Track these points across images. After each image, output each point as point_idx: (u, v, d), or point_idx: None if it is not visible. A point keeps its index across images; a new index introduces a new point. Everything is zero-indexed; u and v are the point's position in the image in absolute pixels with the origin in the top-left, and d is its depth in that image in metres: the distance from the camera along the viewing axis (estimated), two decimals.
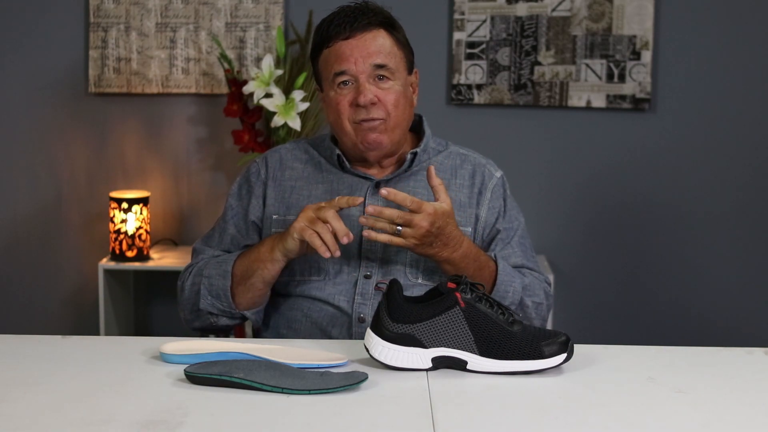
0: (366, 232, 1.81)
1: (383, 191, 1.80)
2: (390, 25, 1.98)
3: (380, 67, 1.93)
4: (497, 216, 2.02)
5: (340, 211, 1.86)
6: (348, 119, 1.95)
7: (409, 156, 2.00)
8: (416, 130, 2.08)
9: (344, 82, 1.94)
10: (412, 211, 1.80)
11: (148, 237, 3.31)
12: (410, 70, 2.01)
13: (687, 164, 3.39)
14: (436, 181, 1.86)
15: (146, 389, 1.49)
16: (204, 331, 2.03)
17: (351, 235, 1.82)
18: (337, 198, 1.85)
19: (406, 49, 2.00)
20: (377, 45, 1.94)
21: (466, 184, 2.03)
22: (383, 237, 1.82)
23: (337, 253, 1.81)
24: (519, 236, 2.04)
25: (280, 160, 2.06)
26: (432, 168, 1.86)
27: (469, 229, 1.99)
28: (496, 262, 1.94)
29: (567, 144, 3.41)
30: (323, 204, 1.84)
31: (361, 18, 1.94)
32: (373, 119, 1.93)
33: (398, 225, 1.81)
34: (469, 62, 3.38)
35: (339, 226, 1.81)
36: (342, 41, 1.94)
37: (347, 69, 1.93)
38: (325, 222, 1.81)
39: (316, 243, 1.81)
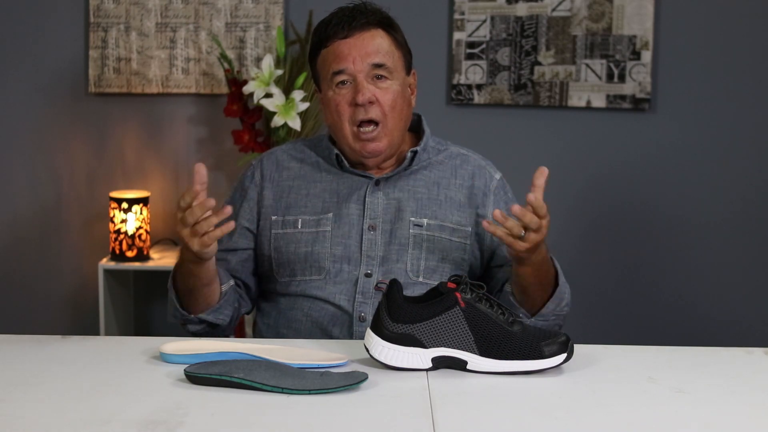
0: (496, 216, 1.75)
1: (531, 197, 1.74)
2: (388, 25, 1.98)
3: (378, 66, 1.93)
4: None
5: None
6: (347, 120, 1.95)
7: (409, 154, 2.00)
8: (415, 129, 2.09)
9: (342, 82, 1.94)
10: (540, 217, 1.76)
11: (148, 237, 3.31)
12: (408, 70, 2.01)
13: (687, 164, 3.39)
14: (541, 181, 1.81)
15: (146, 389, 1.49)
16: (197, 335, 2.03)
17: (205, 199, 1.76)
18: (181, 197, 1.77)
19: (404, 50, 2.00)
20: (375, 44, 1.94)
21: (466, 185, 2.03)
22: (500, 232, 1.77)
23: (227, 216, 1.77)
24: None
25: (276, 162, 2.06)
26: (545, 169, 1.81)
27: (469, 228, 2.00)
28: (554, 264, 1.93)
29: (567, 144, 3.41)
30: (180, 211, 1.77)
31: (359, 17, 1.94)
32: (371, 121, 1.93)
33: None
34: (469, 62, 3.38)
35: (198, 212, 1.74)
36: (340, 41, 1.94)
37: (345, 68, 1.93)
38: (195, 221, 1.75)
39: (216, 235, 1.76)
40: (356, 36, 1.94)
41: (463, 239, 1.99)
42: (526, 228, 1.76)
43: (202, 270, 1.86)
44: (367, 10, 1.97)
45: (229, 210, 1.77)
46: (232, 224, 1.79)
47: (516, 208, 1.75)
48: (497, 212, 1.75)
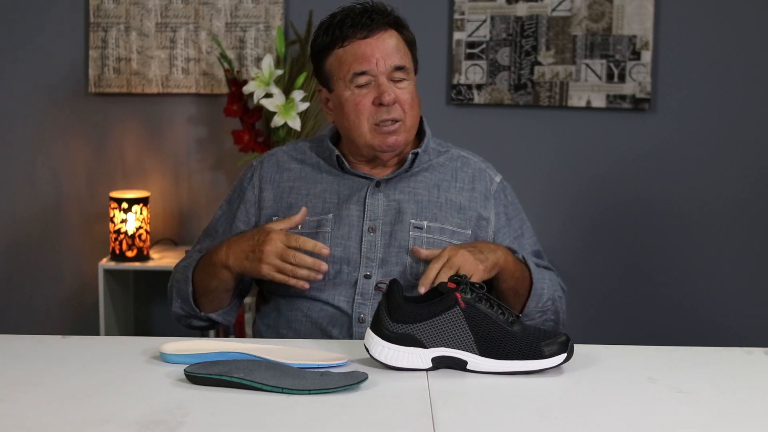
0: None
1: (421, 289, 1.78)
2: (400, 25, 1.99)
3: (399, 68, 1.94)
4: (505, 222, 2.04)
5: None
6: (367, 119, 1.94)
7: (410, 156, 2.00)
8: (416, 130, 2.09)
9: (363, 82, 1.94)
10: (437, 260, 1.82)
11: (148, 237, 3.31)
12: (416, 70, 2.02)
13: (687, 164, 3.39)
14: (425, 253, 1.89)
15: (146, 389, 1.49)
16: (196, 329, 2.06)
17: (325, 265, 1.84)
18: (302, 240, 1.84)
19: (414, 50, 2.01)
20: (393, 45, 1.95)
21: (467, 188, 2.03)
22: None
23: (320, 276, 1.85)
24: (529, 234, 2.08)
25: (276, 163, 2.06)
26: (416, 248, 1.91)
27: (469, 231, 2.00)
28: (525, 263, 1.97)
29: (567, 144, 3.41)
30: (288, 242, 1.84)
31: (377, 18, 1.94)
32: (393, 120, 1.94)
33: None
34: (469, 62, 3.38)
35: (310, 262, 1.83)
36: (360, 41, 1.93)
37: (369, 69, 1.93)
38: (293, 263, 1.83)
39: (291, 283, 1.85)
40: (376, 36, 1.93)
41: (463, 242, 1.98)
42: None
43: (231, 279, 1.91)
44: (379, 10, 1.97)
45: (325, 267, 1.84)
46: (306, 285, 1.86)
47: (422, 289, 1.78)
48: (421, 289, 1.78)
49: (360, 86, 1.94)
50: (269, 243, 1.84)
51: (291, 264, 1.83)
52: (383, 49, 1.93)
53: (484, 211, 2.01)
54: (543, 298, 1.95)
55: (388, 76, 1.93)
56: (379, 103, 1.92)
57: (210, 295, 1.95)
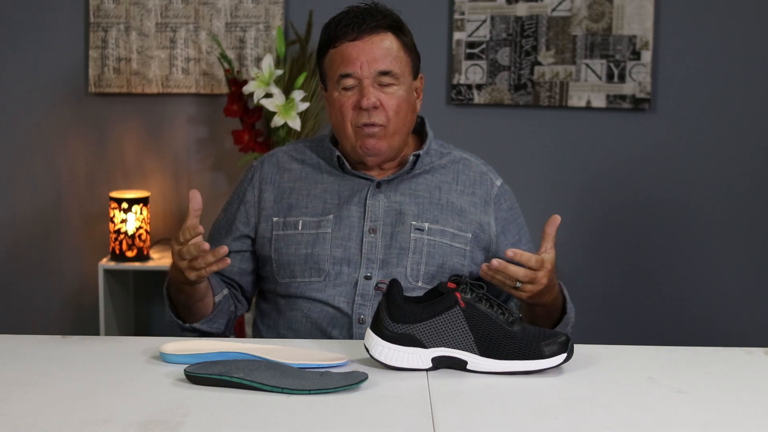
0: (483, 273, 1.77)
1: (509, 252, 1.74)
2: (398, 28, 1.97)
3: (385, 73, 1.93)
4: (503, 227, 2.03)
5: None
6: (350, 122, 1.94)
7: (411, 158, 2.00)
8: (418, 131, 2.08)
9: (349, 84, 1.94)
10: (533, 269, 1.77)
11: (148, 237, 3.31)
12: (415, 75, 2.01)
13: (687, 164, 3.39)
14: (552, 229, 1.83)
15: (146, 389, 1.49)
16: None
17: (200, 229, 1.75)
18: (180, 234, 1.76)
19: (413, 54, 1.99)
20: (384, 49, 1.93)
21: (467, 191, 2.03)
22: (496, 282, 1.79)
23: (221, 251, 1.75)
24: (526, 240, 2.06)
25: (277, 163, 2.06)
26: (557, 218, 1.84)
27: (469, 234, 1.99)
28: (562, 291, 1.94)
29: (567, 144, 3.41)
30: (177, 240, 1.76)
31: (369, 20, 1.93)
32: (374, 125, 1.93)
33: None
34: (469, 62, 3.38)
35: (194, 251, 1.74)
36: (348, 43, 1.93)
37: (353, 72, 1.92)
38: (194, 257, 1.75)
39: (213, 269, 1.76)
40: (365, 39, 1.92)
41: (463, 245, 1.98)
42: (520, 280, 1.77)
43: (193, 290, 1.87)
44: (378, 12, 1.96)
45: (225, 250, 1.75)
46: (228, 261, 1.77)
47: (495, 262, 1.74)
48: (495, 262, 1.74)
49: (346, 88, 1.94)
50: (173, 254, 1.79)
51: (193, 259, 1.75)
52: (370, 53, 1.92)
53: (484, 216, 2.01)
54: (568, 326, 1.95)
55: (373, 80, 1.92)
56: (359, 107, 1.92)
57: (186, 308, 1.92)
